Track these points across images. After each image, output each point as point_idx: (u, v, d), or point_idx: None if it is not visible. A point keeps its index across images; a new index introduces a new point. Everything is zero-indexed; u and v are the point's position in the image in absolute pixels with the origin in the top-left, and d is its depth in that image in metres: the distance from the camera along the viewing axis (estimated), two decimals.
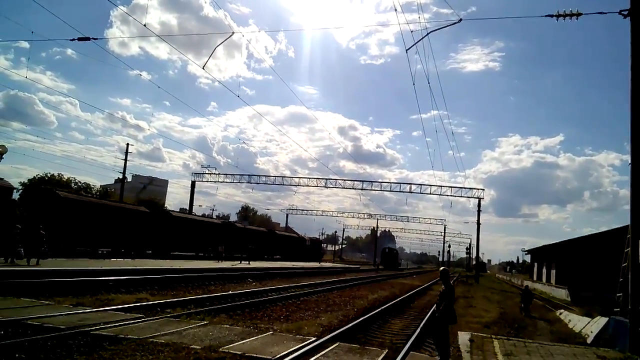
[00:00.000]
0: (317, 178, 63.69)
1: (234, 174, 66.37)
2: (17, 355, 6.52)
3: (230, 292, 18.47)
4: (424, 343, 11.96)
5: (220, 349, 7.80)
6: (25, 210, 31.78)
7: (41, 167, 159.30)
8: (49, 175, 63.79)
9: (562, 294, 38.36)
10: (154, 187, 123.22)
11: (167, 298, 15.13)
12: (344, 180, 62.96)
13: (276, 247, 62.27)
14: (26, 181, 59.23)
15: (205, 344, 8.10)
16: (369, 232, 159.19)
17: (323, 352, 8.45)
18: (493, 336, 12.30)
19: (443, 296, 8.39)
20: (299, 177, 79.33)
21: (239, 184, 71.66)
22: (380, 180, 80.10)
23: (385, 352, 9.04)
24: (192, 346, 7.80)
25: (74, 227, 29.60)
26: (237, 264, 36.03)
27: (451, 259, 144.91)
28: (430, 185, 57.85)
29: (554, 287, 43.25)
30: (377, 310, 16.09)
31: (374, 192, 63.14)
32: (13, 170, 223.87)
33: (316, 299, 19.35)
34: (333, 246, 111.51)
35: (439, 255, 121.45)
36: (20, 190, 48.22)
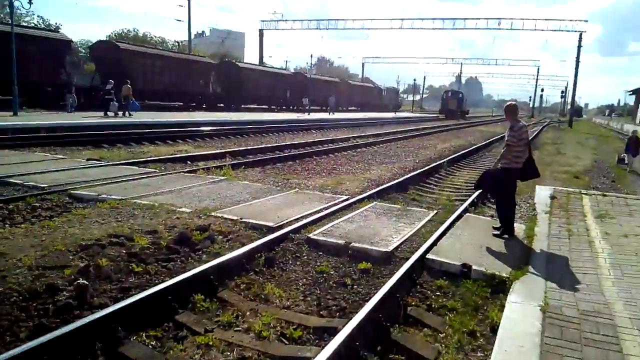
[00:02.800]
0: (392, 19, 57.65)
1: (302, 20, 62.05)
2: None
3: (282, 143, 17.11)
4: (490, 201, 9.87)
5: (215, 212, 6.27)
6: (94, 64, 31.82)
7: (124, 25, 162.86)
8: (125, 30, 63.73)
9: None
10: (231, 41, 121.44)
11: (209, 150, 14.08)
12: (423, 19, 56.34)
13: (350, 97, 59.67)
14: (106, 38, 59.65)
15: (203, 205, 6.64)
16: (453, 79, 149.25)
17: (347, 215, 6.66)
18: (583, 191, 9.76)
19: (508, 139, 5.90)
20: (372, 19, 72.68)
21: (309, 31, 67.36)
22: (463, 17, 71.04)
23: (431, 214, 7.13)
24: (182, 209, 6.34)
25: (137, 78, 28.84)
26: (303, 116, 34.64)
27: (544, 104, 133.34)
28: (524, 19, 49.83)
29: None
30: (440, 161, 13.93)
31: (458, 32, 56.44)
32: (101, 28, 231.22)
33: (375, 149, 17.44)
34: (413, 95, 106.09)
35: (529, 100, 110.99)
36: (89, 45, 48.68)
